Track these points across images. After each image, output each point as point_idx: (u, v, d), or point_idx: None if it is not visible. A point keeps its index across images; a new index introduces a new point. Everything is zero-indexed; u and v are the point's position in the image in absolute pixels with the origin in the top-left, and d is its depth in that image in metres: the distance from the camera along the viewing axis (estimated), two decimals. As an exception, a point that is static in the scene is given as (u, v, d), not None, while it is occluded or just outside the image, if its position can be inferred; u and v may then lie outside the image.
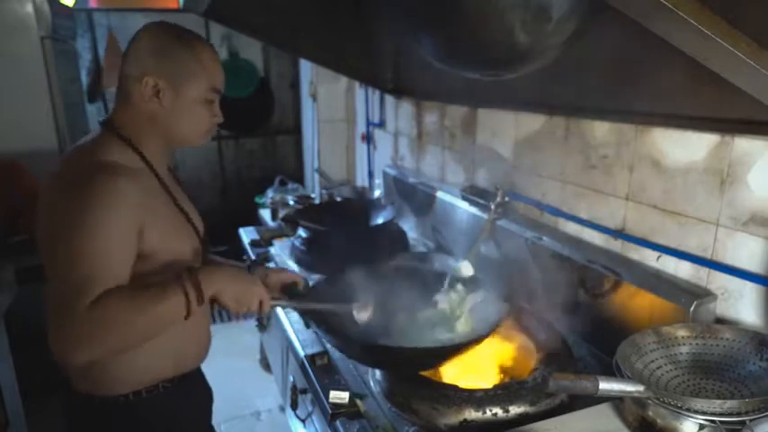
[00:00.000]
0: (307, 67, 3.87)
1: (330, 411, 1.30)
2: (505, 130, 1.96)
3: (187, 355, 1.29)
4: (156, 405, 1.24)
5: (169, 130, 1.19)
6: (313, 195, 3.48)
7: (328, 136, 3.70)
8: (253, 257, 2.40)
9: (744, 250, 1.21)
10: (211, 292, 1.13)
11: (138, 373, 1.21)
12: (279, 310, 1.88)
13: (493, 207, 1.91)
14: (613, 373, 1.07)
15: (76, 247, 1.03)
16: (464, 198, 2.14)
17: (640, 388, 1.00)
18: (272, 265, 2.28)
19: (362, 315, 1.37)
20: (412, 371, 1.34)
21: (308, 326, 1.71)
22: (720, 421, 0.95)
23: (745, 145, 1.17)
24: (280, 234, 2.63)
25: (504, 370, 1.48)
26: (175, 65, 1.15)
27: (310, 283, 1.49)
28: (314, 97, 3.69)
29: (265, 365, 3.26)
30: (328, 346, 1.61)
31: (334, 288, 1.50)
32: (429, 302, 1.56)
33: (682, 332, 1.19)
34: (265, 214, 3.25)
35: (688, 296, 1.26)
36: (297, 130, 4.71)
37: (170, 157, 1.32)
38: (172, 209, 1.22)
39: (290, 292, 1.38)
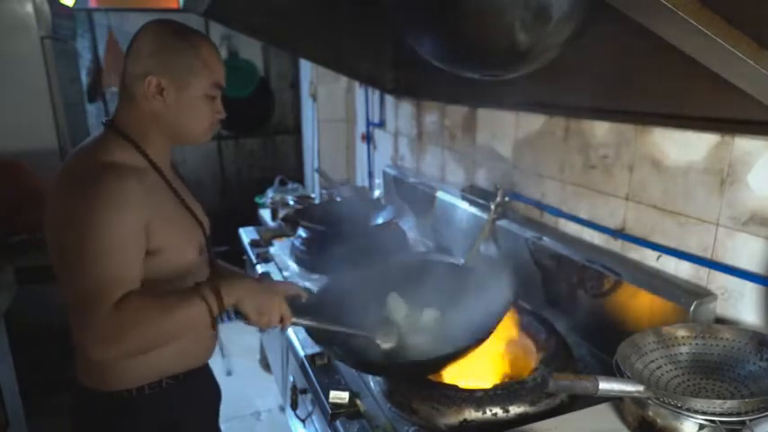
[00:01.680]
0: (307, 67, 3.87)
1: (330, 411, 1.30)
2: (505, 130, 1.96)
3: (191, 352, 1.30)
4: (159, 401, 1.24)
5: (173, 128, 1.20)
6: (313, 195, 3.48)
7: (328, 136, 3.70)
8: (253, 257, 2.40)
9: (744, 250, 1.21)
10: (233, 301, 1.15)
11: (141, 370, 1.22)
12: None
13: (493, 207, 1.91)
14: (613, 373, 1.07)
15: (92, 249, 1.04)
16: (464, 198, 2.14)
17: (640, 388, 1.00)
18: (272, 264, 2.28)
19: (386, 343, 1.39)
20: (415, 377, 1.34)
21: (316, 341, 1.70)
22: (720, 421, 0.95)
23: (745, 145, 1.17)
24: (280, 234, 2.63)
25: (504, 370, 1.48)
26: (177, 63, 1.16)
27: (314, 290, 1.50)
28: (314, 97, 3.69)
29: (265, 365, 3.26)
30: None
31: (334, 297, 1.51)
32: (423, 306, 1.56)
33: (682, 332, 1.19)
34: (265, 214, 3.26)
35: (688, 296, 1.26)
36: (297, 130, 4.72)
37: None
38: (177, 206, 1.23)
39: (293, 305, 1.34)
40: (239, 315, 1.19)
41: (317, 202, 3.24)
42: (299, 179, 4.30)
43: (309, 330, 1.36)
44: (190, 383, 1.30)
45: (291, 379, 1.76)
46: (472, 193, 2.10)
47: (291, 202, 3.19)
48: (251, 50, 4.65)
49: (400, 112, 2.87)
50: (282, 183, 3.77)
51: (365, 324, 1.41)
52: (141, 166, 1.17)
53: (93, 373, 1.23)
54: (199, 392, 1.35)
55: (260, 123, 4.90)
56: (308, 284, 1.74)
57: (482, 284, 1.48)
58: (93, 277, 1.04)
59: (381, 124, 3.12)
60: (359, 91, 3.41)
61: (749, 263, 1.20)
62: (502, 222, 1.90)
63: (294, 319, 1.24)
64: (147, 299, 1.09)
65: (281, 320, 1.21)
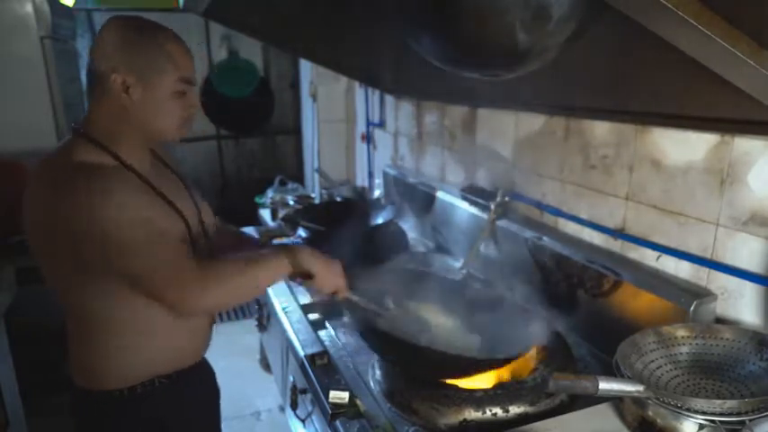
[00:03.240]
0: (307, 67, 3.87)
1: (330, 411, 1.30)
2: (505, 130, 1.96)
3: (185, 350, 1.30)
4: (152, 400, 1.24)
5: (143, 125, 1.18)
6: (313, 195, 3.48)
7: (328, 136, 3.70)
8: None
9: (744, 250, 1.21)
10: (304, 259, 1.25)
11: (134, 369, 1.22)
12: (278, 310, 1.88)
13: (493, 207, 1.91)
14: (613, 373, 1.07)
15: (121, 235, 1.07)
16: (464, 198, 2.14)
17: (640, 388, 1.00)
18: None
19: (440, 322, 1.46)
20: (439, 377, 1.34)
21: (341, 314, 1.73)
22: (720, 421, 0.95)
23: (745, 145, 1.17)
24: (280, 234, 2.61)
25: (504, 370, 1.47)
26: (141, 59, 1.13)
27: None
28: (314, 97, 3.69)
29: (265, 365, 3.26)
30: (328, 345, 1.61)
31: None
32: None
33: (682, 332, 1.19)
34: (265, 214, 3.25)
35: (688, 296, 1.26)
36: (297, 130, 4.72)
37: (159, 148, 1.34)
38: (154, 200, 1.20)
39: None
40: (300, 279, 1.28)
41: (317, 202, 3.24)
42: (299, 179, 4.30)
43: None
44: (184, 382, 1.29)
45: (291, 379, 1.75)
46: (472, 193, 2.10)
47: (291, 202, 3.19)
48: (251, 50, 4.65)
49: (400, 112, 2.87)
50: (282, 183, 3.77)
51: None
52: (112, 165, 1.15)
53: (86, 373, 1.23)
54: (194, 392, 1.34)
55: (260, 123, 4.90)
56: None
57: (518, 316, 1.49)
58: (151, 252, 1.10)
59: (381, 124, 3.12)
60: (359, 91, 3.40)
61: (749, 263, 1.20)
62: (502, 222, 1.90)
63: (349, 293, 1.33)
64: (221, 258, 1.21)
65: (339, 289, 1.31)
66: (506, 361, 1.30)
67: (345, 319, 1.73)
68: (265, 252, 1.25)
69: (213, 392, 1.48)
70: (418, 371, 1.35)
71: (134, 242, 1.09)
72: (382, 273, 1.61)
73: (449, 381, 1.32)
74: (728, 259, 1.24)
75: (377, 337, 1.38)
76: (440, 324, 1.53)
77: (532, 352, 1.43)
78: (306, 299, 1.92)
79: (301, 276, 1.28)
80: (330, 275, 1.30)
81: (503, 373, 1.36)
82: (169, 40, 1.17)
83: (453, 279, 1.78)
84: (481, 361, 1.33)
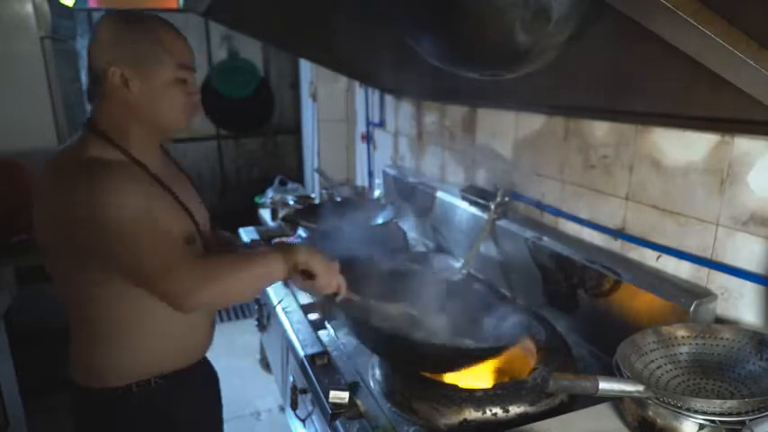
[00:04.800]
0: (307, 67, 3.87)
1: (330, 411, 1.30)
2: (505, 130, 1.96)
3: (186, 349, 1.30)
4: (152, 398, 1.25)
5: (147, 117, 1.18)
6: (313, 195, 3.48)
7: (328, 136, 3.70)
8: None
9: (744, 250, 1.21)
10: (304, 259, 1.23)
11: (135, 367, 1.22)
12: (279, 310, 1.88)
13: (493, 207, 1.91)
14: (613, 373, 1.07)
15: (126, 230, 1.07)
16: (464, 198, 2.14)
17: (640, 388, 1.00)
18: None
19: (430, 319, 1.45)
20: (434, 370, 1.35)
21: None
22: (720, 421, 0.95)
23: (745, 145, 1.17)
24: (280, 234, 2.62)
25: (503, 370, 1.48)
26: (137, 51, 1.14)
27: None
28: (314, 97, 3.69)
29: (265, 365, 3.26)
30: (328, 345, 1.61)
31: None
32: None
33: (682, 332, 1.19)
34: (265, 214, 3.26)
35: (688, 296, 1.26)
36: (297, 130, 4.72)
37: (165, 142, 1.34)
38: (162, 195, 1.21)
39: None
40: (300, 279, 1.26)
41: (317, 202, 3.24)
42: (299, 179, 4.30)
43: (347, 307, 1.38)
44: (186, 381, 1.30)
45: (291, 379, 1.75)
46: (472, 193, 2.10)
47: (291, 202, 3.19)
48: (251, 50, 4.66)
49: (400, 112, 2.87)
50: (282, 183, 3.77)
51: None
52: (122, 161, 1.16)
53: (86, 371, 1.23)
54: (197, 391, 1.35)
55: (260, 123, 4.90)
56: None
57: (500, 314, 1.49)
58: (151, 242, 1.10)
59: (381, 124, 3.12)
60: (359, 91, 3.41)
61: (749, 263, 1.20)
62: (502, 222, 1.90)
63: (349, 293, 1.31)
64: (223, 255, 1.22)
65: (339, 288, 1.30)
66: (502, 349, 1.32)
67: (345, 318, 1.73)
68: (264, 250, 1.24)
69: (216, 393, 1.49)
70: (415, 366, 1.35)
71: (135, 230, 1.08)
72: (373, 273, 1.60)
73: (448, 374, 1.33)
74: (728, 259, 1.24)
75: (372, 333, 1.38)
76: (430, 321, 1.52)
77: (531, 348, 1.43)
78: (306, 299, 1.92)
79: (302, 276, 1.25)
80: (331, 275, 1.27)
81: (498, 364, 1.39)
82: (161, 28, 1.17)
83: (448, 278, 1.79)
84: (476, 350, 1.33)
